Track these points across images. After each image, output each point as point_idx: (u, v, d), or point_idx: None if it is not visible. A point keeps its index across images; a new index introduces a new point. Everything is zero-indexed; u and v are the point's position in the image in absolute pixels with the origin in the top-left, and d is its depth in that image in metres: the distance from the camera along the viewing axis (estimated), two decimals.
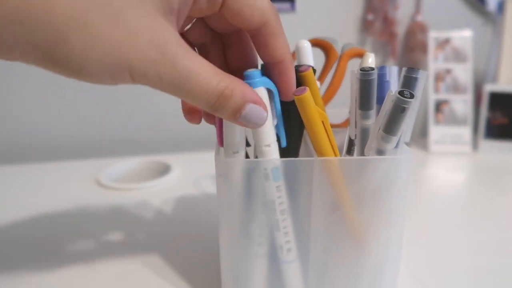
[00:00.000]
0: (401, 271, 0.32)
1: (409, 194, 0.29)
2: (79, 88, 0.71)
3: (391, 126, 0.24)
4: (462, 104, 0.73)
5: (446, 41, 0.73)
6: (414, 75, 0.26)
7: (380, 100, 0.27)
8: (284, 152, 0.28)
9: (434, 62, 0.73)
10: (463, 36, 0.73)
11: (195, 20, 0.26)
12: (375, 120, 0.27)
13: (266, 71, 0.26)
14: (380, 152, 0.26)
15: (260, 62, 0.27)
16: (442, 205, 0.52)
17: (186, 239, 0.43)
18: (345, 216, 0.29)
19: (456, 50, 0.73)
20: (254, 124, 0.23)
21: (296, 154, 0.30)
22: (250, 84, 0.24)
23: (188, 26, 0.26)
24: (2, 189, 0.57)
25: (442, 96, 0.73)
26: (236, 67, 0.28)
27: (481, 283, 0.35)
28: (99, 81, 0.20)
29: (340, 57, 0.39)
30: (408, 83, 0.26)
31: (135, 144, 0.75)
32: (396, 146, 0.26)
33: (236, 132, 0.26)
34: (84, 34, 0.18)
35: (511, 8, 0.75)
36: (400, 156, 0.27)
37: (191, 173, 0.61)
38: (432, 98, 0.73)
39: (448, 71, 0.73)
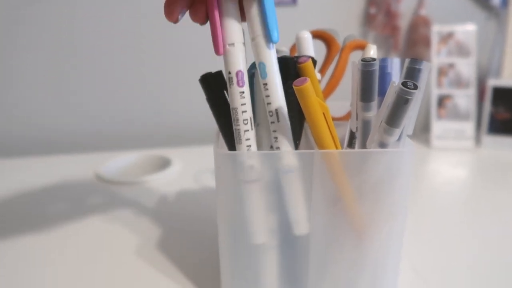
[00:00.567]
0: (403, 266, 0.32)
1: (411, 188, 0.28)
2: (79, 81, 0.71)
3: (394, 118, 0.23)
4: (465, 99, 0.72)
5: (450, 35, 0.72)
6: (417, 67, 0.25)
7: (382, 93, 0.27)
8: None
9: (437, 57, 0.72)
10: (466, 30, 0.72)
11: None
12: (377, 112, 0.26)
13: None
14: (382, 145, 0.25)
15: None
16: (444, 201, 0.51)
17: (186, 233, 0.42)
18: (346, 209, 0.28)
19: (460, 45, 0.72)
20: None
21: (296, 147, 0.30)
22: None
23: None
24: (1, 182, 0.57)
25: (445, 90, 0.72)
26: None
27: (483, 278, 0.35)
28: None
29: (342, 49, 0.39)
30: (412, 75, 0.25)
31: (135, 138, 0.75)
32: (399, 139, 0.26)
33: (235, 22, 0.26)
34: None
35: None
36: (403, 149, 0.26)
37: (191, 167, 0.61)
38: (435, 92, 0.73)
39: (451, 66, 0.72)
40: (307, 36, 0.30)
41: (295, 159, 0.26)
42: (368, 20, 0.77)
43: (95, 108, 0.73)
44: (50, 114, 0.72)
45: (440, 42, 0.72)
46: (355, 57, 0.38)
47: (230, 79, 0.25)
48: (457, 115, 0.72)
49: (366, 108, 0.26)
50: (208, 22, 0.26)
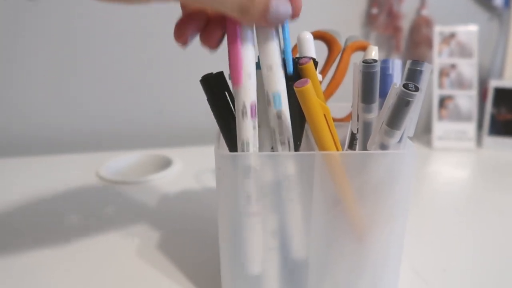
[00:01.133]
0: (403, 267, 0.32)
1: (412, 189, 0.28)
2: (81, 81, 0.71)
3: (395, 120, 0.23)
4: (466, 100, 0.72)
5: (452, 36, 0.72)
6: (418, 68, 0.25)
7: (383, 94, 0.27)
8: None
9: (439, 57, 0.72)
10: (468, 31, 0.72)
11: None
12: (378, 114, 0.26)
13: None
14: (383, 146, 0.25)
15: None
16: (445, 202, 0.51)
17: (186, 233, 0.42)
18: (347, 211, 0.28)
19: (462, 45, 0.72)
20: (284, 17, 0.23)
21: (297, 148, 0.30)
22: None
23: None
24: (2, 182, 0.57)
25: (447, 91, 0.72)
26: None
27: (483, 280, 0.35)
28: None
29: (343, 50, 0.38)
30: (413, 76, 0.25)
31: (136, 137, 0.75)
32: (400, 141, 0.26)
33: (252, 52, 0.25)
34: None
35: None
36: (404, 151, 0.26)
37: (192, 167, 0.61)
38: (436, 93, 0.72)
39: (453, 66, 0.72)
40: (308, 37, 0.30)
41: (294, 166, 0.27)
42: (370, 20, 0.77)
43: (96, 107, 0.73)
44: (50, 113, 0.72)
45: (442, 43, 0.72)
46: (356, 58, 0.38)
47: (244, 111, 0.25)
48: (459, 116, 0.72)
49: (367, 110, 0.26)
50: (222, 49, 0.26)
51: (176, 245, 0.40)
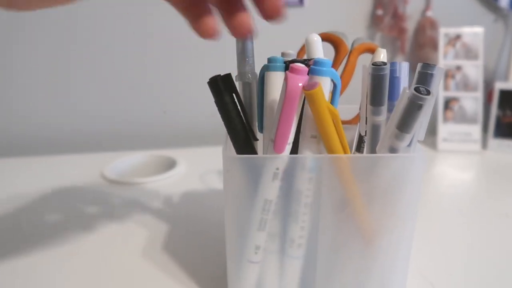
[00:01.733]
0: (410, 270, 0.31)
1: (421, 193, 0.28)
2: (85, 81, 0.71)
3: (405, 124, 0.23)
4: (472, 102, 0.71)
5: (457, 38, 0.72)
6: (429, 71, 0.25)
7: (390, 97, 0.26)
8: None
9: (444, 59, 0.72)
10: (474, 33, 0.72)
11: None
12: (387, 117, 0.26)
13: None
14: (392, 150, 0.25)
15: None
16: (450, 204, 0.51)
17: (191, 234, 0.42)
18: (355, 214, 0.28)
19: (467, 47, 0.72)
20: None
21: (295, 150, 0.30)
22: (318, 72, 0.25)
23: None
24: (7, 182, 0.57)
25: (452, 93, 0.72)
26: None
27: (490, 283, 0.35)
28: None
29: (350, 52, 0.38)
30: (424, 80, 0.25)
31: (141, 138, 0.75)
32: (409, 145, 0.26)
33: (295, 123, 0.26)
34: None
35: None
36: (413, 154, 0.26)
37: (196, 168, 0.61)
38: (442, 95, 0.72)
39: (458, 68, 0.72)
40: (316, 39, 0.30)
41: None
42: (375, 21, 0.77)
43: (100, 108, 0.73)
44: (54, 113, 0.72)
45: (447, 45, 0.72)
46: (363, 60, 0.38)
47: (276, 174, 0.26)
48: (464, 118, 0.71)
49: (376, 112, 0.26)
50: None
51: (181, 246, 0.40)
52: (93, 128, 0.74)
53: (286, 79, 0.24)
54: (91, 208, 0.48)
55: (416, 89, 0.22)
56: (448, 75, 0.72)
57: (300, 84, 0.24)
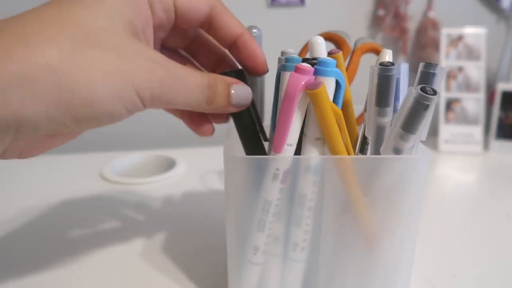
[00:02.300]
0: (413, 272, 0.31)
1: (424, 195, 0.28)
2: None
3: (411, 124, 0.23)
4: (474, 103, 0.71)
5: (459, 38, 0.71)
6: (432, 71, 0.25)
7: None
8: None
9: (446, 60, 0.72)
10: (476, 33, 0.71)
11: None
12: (392, 118, 0.26)
13: (232, 54, 0.28)
14: (397, 151, 0.24)
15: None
16: (452, 205, 0.50)
17: (191, 235, 0.42)
18: (358, 217, 0.27)
19: (469, 48, 0.71)
20: (246, 101, 0.26)
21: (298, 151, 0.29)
22: (322, 72, 0.24)
23: None
24: (5, 182, 0.56)
25: (454, 94, 0.71)
26: (211, 69, 0.31)
27: (493, 285, 0.34)
28: (114, 108, 0.21)
29: (353, 51, 0.38)
30: (426, 79, 0.25)
31: (140, 138, 0.74)
32: (412, 145, 0.25)
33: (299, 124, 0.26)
34: (80, 66, 0.20)
35: None
36: (418, 156, 0.26)
37: (196, 168, 0.60)
38: (443, 96, 0.72)
39: (460, 69, 0.71)
40: (320, 41, 0.29)
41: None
42: (376, 22, 0.76)
43: None
44: None
45: (449, 45, 0.72)
46: (366, 60, 0.38)
47: (276, 174, 0.26)
48: (466, 119, 0.71)
49: (382, 113, 0.25)
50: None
51: (180, 247, 0.40)
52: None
53: (289, 78, 0.24)
54: (90, 209, 0.48)
55: (422, 89, 0.21)
56: (450, 76, 0.72)
57: (302, 83, 0.23)
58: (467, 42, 0.71)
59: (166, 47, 0.30)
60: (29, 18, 0.20)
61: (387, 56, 0.27)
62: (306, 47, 0.38)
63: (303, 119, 0.25)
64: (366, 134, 0.26)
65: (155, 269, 0.36)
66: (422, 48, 0.77)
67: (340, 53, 0.26)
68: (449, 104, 0.72)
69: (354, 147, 0.28)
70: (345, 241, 0.28)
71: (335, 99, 0.25)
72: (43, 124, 0.20)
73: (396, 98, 0.27)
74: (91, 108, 0.21)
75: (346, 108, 0.28)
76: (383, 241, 0.28)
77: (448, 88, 0.72)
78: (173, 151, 0.66)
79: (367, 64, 0.39)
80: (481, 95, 0.71)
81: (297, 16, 0.73)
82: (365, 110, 0.28)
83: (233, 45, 0.28)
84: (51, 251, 0.39)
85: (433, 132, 0.77)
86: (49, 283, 0.34)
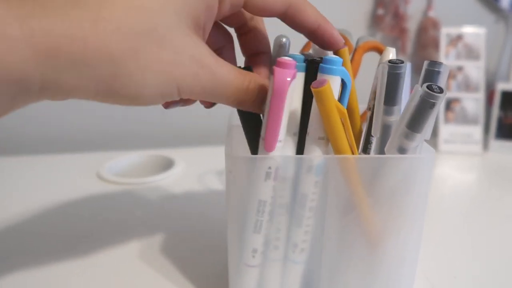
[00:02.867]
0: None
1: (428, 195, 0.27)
2: None
3: (417, 123, 0.22)
4: (473, 103, 0.71)
5: (458, 38, 0.71)
6: (436, 69, 0.24)
7: None
8: None
9: (446, 59, 0.71)
10: (476, 33, 0.71)
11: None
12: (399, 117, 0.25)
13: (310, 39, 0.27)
14: (402, 150, 0.24)
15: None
16: (451, 205, 0.50)
17: (189, 236, 0.41)
18: (361, 217, 0.27)
19: (469, 47, 0.71)
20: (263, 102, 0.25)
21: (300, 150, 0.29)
22: (328, 70, 0.24)
23: None
24: (2, 182, 0.56)
25: (453, 94, 0.71)
26: (250, 52, 0.30)
27: (494, 285, 0.34)
28: (151, 103, 0.23)
29: (355, 50, 0.37)
30: (430, 77, 0.24)
31: (138, 137, 0.74)
32: (417, 145, 0.25)
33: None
34: (138, 62, 0.20)
35: None
36: (423, 155, 0.25)
37: (194, 168, 0.60)
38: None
39: (459, 69, 0.71)
40: None
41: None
42: (375, 21, 0.76)
43: (96, 106, 0.72)
44: (50, 112, 0.71)
45: (448, 45, 0.71)
46: (368, 59, 0.37)
47: (268, 173, 0.25)
48: (465, 119, 0.71)
49: (389, 112, 0.25)
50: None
51: (179, 247, 0.39)
52: (88, 127, 0.73)
53: (273, 73, 0.23)
54: (87, 209, 0.47)
55: (429, 87, 0.21)
56: (449, 75, 0.71)
57: (288, 79, 0.23)
58: (466, 42, 0.71)
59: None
60: None
61: (391, 54, 0.27)
62: (308, 45, 0.37)
63: (288, 113, 0.25)
64: (372, 133, 0.26)
65: (153, 269, 0.35)
66: (423, 47, 0.77)
67: (346, 48, 0.25)
68: (449, 104, 0.71)
69: (357, 146, 0.28)
70: (348, 241, 0.28)
71: (341, 99, 0.25)
72: (84, 98, 0.21)
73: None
74: (134, 101, 0.22)
75: (350, 106, 0.28)
76: (387, 241, 0.28)
77: (447, 88, 0.71)
78: (172, 151, 0.65)
79: (368, 63, 0.38)
80: (480, 95, 0.71)
81: None
82: (368, 108, 0.28)
83: (312, 34, 0.27)
84: (47, 250, 0.38)
85: (433, 132, 0.76)
86: (45, 283, 0.34)
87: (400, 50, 0.77)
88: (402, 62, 0.23)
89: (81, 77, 0.19)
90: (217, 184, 0.54)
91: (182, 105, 0.31)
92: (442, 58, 0.71)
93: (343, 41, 0.28)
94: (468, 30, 0.71)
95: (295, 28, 0.27)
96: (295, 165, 0.25)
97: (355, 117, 0.28)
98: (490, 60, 0.78)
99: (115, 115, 0.73)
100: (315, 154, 0.25)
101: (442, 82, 0.25)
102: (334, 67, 0.24)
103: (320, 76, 0.24)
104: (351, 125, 0.25)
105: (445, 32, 0.71)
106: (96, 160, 0.61)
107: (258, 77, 0.25)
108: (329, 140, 0.25)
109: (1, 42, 0.17)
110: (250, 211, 0.26)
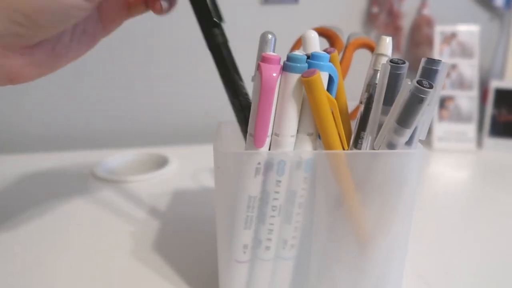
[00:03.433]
0: (405, 270, 0.31)
1: (418, 192, 0.27)
2: (76, 78, 0.70)
3: (406, 118, 0.22)
4: (467, 101, 0.71)
5: (452, 36, 0.71)
6: (434, 67, 0.24)
7: None
8: None
9: (440, 57, 0.71)
10: (470, 31, 0.71)
11: None
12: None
13: None
14: (391, 145, 0.24)
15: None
16: (445, 203, 0.50)
17: (182, 233, 0.41)
18: (350, 213, 0.27)
19: (463, 45, 0.71)
20: None
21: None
22: (315, 66, 0.24)
23: None
24: None
25: (447, 92, 0.71)
26: None
27: (487, 282, 0.34)
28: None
29: (346, 46, 0.37)
30: (428, 76, 0.24)
31: (132, 135, 0.74)
32: (410, 143, 0.25)
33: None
34: None
35: None
36: (412, 151, 0.25)
37: (189, 166, 0.60)
38: None
39: (453, 67, 0.71)
40: (313, 35, 0.29)
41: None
42: (370, 19, 0.76)
43: (92, 105, 0.72)
44: (44, 110, 0.70)
45: (443, 43, 0.71)
46: (359, 55, 0.37)
47: (258, 169, 0.25)
48: (459, 117, 0.71)
49: (388, 112, 0.25)
50: None
51: (172, 245, 0.39)
52: (83, 126, 0.73)
53: (259, 69, 0.23)
54: (81, 207, 0.47)
55: (419, 82, 0.21)
56: None
57: (274, 74, 0.23)
58: (460, 40, 0.71)
59: None
60: None
61: (387, 40, 0.27)
62: (298, 42, 0.37)
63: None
64: (368, 132, 0.26)
65: (146, 267, 0.35)
66: (417, 45, 0.77)
67: (336, 53, 0.25)
68: (443, 102, 0.72)
69: (348, 142, 0.28)
70: (337, 238, 0.28)
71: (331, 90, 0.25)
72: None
73: None
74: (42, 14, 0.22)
75: (340, 103, 0.27)
76: (376, 238, 0.28)
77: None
78: (166, 149, 0.65)
79: (360, 60, 0.38)
80: (474, 93, 0.71)
81: (291, 13, 0.73)
82: (360, 102, 0.28)
83: None
84: (41, 248, 0.38)
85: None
86: (38, 280, 0.34)
87: (394, 48, 0.77)
88: (404, 62, 0.23)
89: None
90: (210, 181, 0.54)
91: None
92: (436, 56, 0.71)
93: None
94: (462, 28, 0.71)
95: None
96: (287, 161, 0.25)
97: (345, 114, 0.28)
98: (484, 58, 0.78)
99: (110, 114, 0.73)
100: (305, 149, 0.25)
101: (440, 80, 0.24)
102: (322, 63, 0.24)
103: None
104: (341, 121, 0.25)
105: (439, 30, 0.71)
106: (91, 158, 0.61)
107: None
108: (318, 134, 0.25)
109: None
110: (240, 207, 0.26)
